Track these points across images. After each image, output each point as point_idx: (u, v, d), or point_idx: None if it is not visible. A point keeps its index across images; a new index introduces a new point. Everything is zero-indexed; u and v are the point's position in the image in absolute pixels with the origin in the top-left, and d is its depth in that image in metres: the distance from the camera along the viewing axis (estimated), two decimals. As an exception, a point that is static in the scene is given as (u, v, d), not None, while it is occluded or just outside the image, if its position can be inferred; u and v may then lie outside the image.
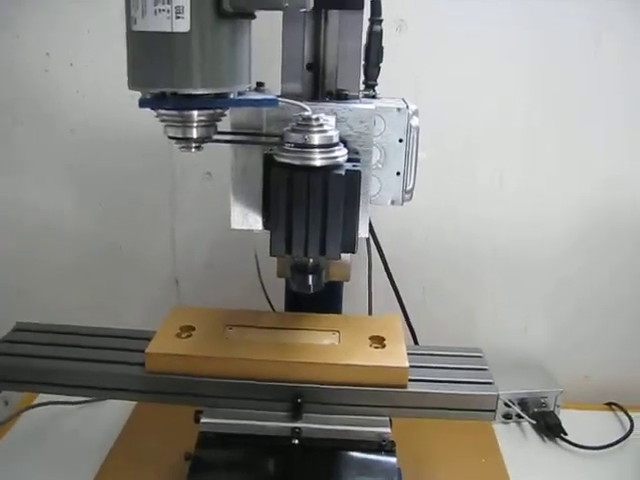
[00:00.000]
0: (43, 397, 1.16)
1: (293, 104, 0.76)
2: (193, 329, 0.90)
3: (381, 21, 0.92)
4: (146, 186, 1.30)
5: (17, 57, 1.23)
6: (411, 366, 0.85)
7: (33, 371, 0.89)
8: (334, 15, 0.85)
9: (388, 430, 0.85)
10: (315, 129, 0.72)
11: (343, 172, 0.72)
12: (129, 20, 0.66)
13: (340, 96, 0.86)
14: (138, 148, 1.25)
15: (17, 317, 0.99)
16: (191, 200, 1.30)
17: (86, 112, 1.25)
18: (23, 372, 0.89)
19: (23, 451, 1.08)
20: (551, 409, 1.21)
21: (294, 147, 0.72)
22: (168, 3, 0.64)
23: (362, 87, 0.91)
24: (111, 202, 1.32)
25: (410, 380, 0.85)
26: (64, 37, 1.22)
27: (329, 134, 0.72)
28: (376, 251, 1.06)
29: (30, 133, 1.28)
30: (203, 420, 0.85)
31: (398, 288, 1.11)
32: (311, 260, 0.81)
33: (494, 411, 0.86)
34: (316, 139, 0.71)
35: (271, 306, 1.08)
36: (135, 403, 1.13)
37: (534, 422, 1.19)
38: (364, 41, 0.90)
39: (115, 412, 1.13)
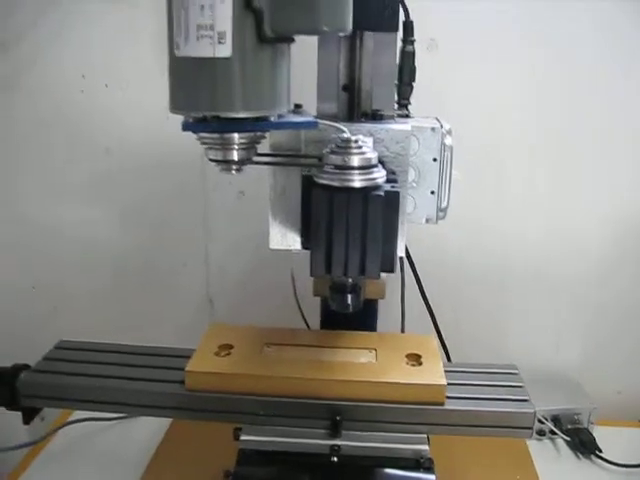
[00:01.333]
0: (79, 413, 1.17)
1: (331, 126, 0.78)
2: (232, 347, 0.91)
3: (413, 41, 0.93)
4: (179, 205, 1.32)
5: (54, 79, 1.26)
6: (448, 383, 0.85)
7: (73, 389, 0.90)
8: (369, 37, 0.86)
9: (426, 447, 0.85)
10: (354, 151, 0.73)
11: (382, 193, 0.73)
12: (172, 45, 0.67)
13: (375, 116, 0.87)
14: (171, 167, 1.27)
15: (55, 335, 1.01)
16: (224, 219, 1.32)
17: (120, 132, 1.28)
18: (63, 390, 0.90)
19: (60, 468, 1.10)
20: (585, 426, 1.20)
21: (334, 169, 0.73)
22: (211, 29, 0.65)
23: (395, 107, 0.92)
24: (145, 222, 1.34)
25: (447, 397, 0.85)
26: (99, 59, 1.24)
27: (368, 156, 0.74)
28: (409, 268, 1.07)
29: (66, 153, 1.30)
30: (243, 437, 0.86)
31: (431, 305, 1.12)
32: (350, 280, 0.82)
33: (531, 428, 0.86)
34: (355, 161, 0.73)
35: (307, 324, 1.09)
36: (171, 419, 1.14)
37: (568, 439, 1.18)
38: (397, 61, 0.91)
39: (152, 428, 1.13)
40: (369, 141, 0.78)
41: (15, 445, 1.10)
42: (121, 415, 1.15)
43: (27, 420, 0.93)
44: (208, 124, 0.70)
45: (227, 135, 0.72)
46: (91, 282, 1.37)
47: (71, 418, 1.18)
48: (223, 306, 1.38)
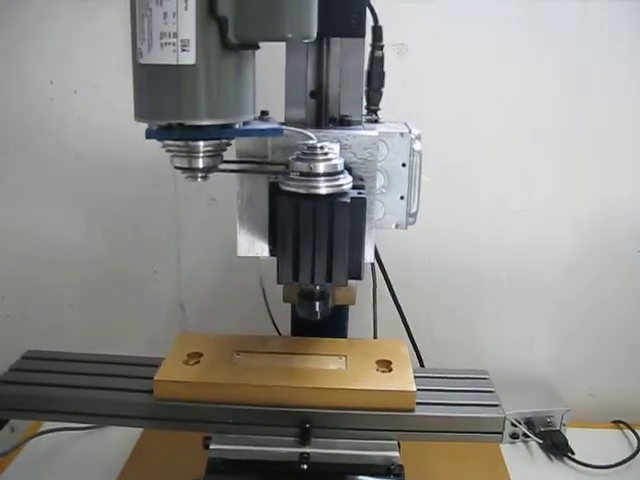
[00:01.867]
0: (49, 423, 1.16)
1: (298, 132, 0.77)
2: (201, 355, 0.90)
3: (382, 46, 0.93)
4: (151, 212, 1.31)
5: (22, 86, 1.25)
6: (418, 389, 0.85)
7: (41, 400, 0.89)
8: (336, 42, 0.86)
9: (396, 454, 0.85)
10: (320, 158, 0.73)
11: (349, 200, 0.73)
12: (135, 53, 0.67)
13: (343, 122, 0.87)
14: (142, 174, 1.27)
15: (23, 344, 1.00)
16: (196, 225, 1.31)
17: (90, 139, 1.27)
18: (31, 401, 0.89)
19: (30, 479, 1.09)
20: (557, 428, 1.21)
21: (300, 176, 0.73)
22: (174, 37, 0.65)
23: (364, 112, 0.92)
24: (116, 228, 1.32)
25: (418, 404, 0.85)
26: (67, 65, 1.23)
27: (334, 162, 0.73)
28: (380, 273, 1.07)
29: (36, 160, 1.29)
30: (212, 446, 0.85)
31: (403, 310, 1.12)
32: (318, 287, 0.82)
33: (501, 433, 0.86)
34: (321, 167, 0.72)
35: (277, 330, 1.08)
36: (142, 429, 1.13)
37: (541, 441, 1.19)
38: (365, 66, 0.91)
39: (122, 438, 1.12)
40: (335, 147, 0.78)
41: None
42: (92, 425, 1.14)
43: (-5, 431, 0.92)
44: (172, 132, 0.70)
45: (192, 143, 0.72)
46: (60, 289, 1.35)
47: (41, 428, 1.17)
48: (194, 312, 1.37)
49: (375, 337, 1.09)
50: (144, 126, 0.71)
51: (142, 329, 1.36)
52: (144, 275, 1.35)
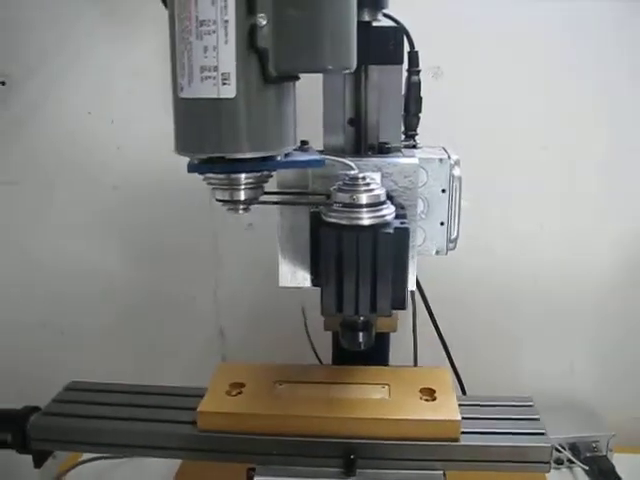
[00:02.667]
0: (90, 452, 1.16)
1: (339, 162, 0.77)
2: (243, 386, 0.90)
3: (419, 71, 0.92)
4: (188, 238, 1.31)
5: (61, 116, 1.26)
6: (463, 418, 0.84)
7: (84, 432, 0.89)
8: (374, 70, 0.86)
9: (442, 484, 0.84)
10: (362, 188, 0.72)
11: (392, 230, 0.72)
12: (176, 87, 0.67)
13: (382, 149, 0.87)
14: (179, 201, 1.27)
15: (61, 372, 1.00)
16: (234, 251, 1.32)
17: (128, 168, 1.28)
18: (71, 432, 0.89)
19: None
20: (604, 453, 1.18)
21: (342, 207, 0.72)
22: (215, 70, 0.64)
23: (402, 137, 0.92)
24: (153, 256, 1.33)
25: (462, 433, 0.84)
26: (105, 96, 1.25)
27: (376, 193, 0.73)
28: (420, 300, 1.06)
29: (74, 190, 1.30)
30: (256, 478, 0.84)
31: (444, 336, 1.11)
32: (361, 317, 0.81)
33: (549, 463, 0.85)
34: (364, 199, 0.72)
35: (318, 359, 1.08)
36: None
37: (586, 467, 1.16)
38: (402, 91, 0.90)
39: (162, 467, 1.11)
40: (377, 177, 0.77)
41: (27, 487, 1.09)
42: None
43: (38, 464, 0.92)
44: (214, 165, 0.69)
45: (234, 175, 0.72)
46: (100, 320, 1.36)
47: (83, 457, 1.17)
48: (234, 339, 1.38)
49: (416, 364, 1.09)
50: (180, 156, 0.71)
51: (182, 357, 1.36)
52: (182, 302, 1.35)
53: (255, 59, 0.65)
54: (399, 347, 1.04)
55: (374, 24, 0.85)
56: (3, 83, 1.25)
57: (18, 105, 1.26)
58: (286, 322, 1.10)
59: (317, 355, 1.08)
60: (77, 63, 1.23)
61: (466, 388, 1.11)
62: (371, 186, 0.73)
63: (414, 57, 0.92)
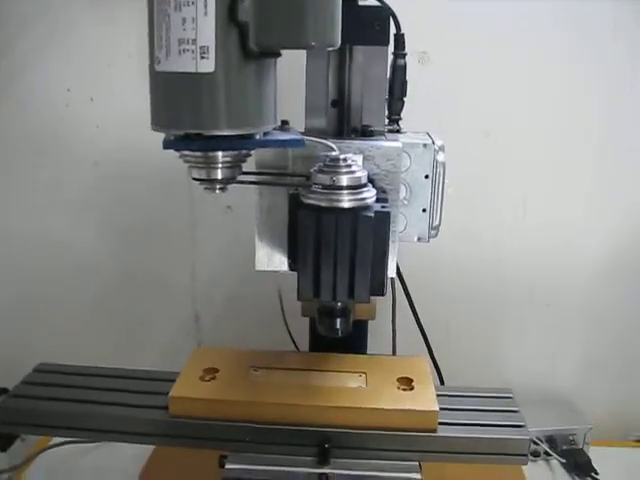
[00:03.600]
0: (60, 436, 1.14)
1: (320, 143, 0.75)
2: (217, 371, 0.88)
3: (405, 55, 0.90)
4: (166, 220, 1.29)
5: (39, 93, 1.23)
6: (440, 409, 0.83)
7: (51, 415, 0.87)
8: (359, 51, 0.84)
9: (418, 476, 0.81)
10: (343, 170, 0.71)
11: (372, 214, 0.70)
12: (152, 60, 0.65)
13: (365, 132, 0.85)
14: (158, 181, 1.25)
15: (35, 354, 0.98)
16: (211, 234, 1.30)
17: (107, 146, 1.25)
18: (40, 416, 0.87)
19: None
20: (580, 446, 1.18)
21: (322, 188, 0.71)
22: (193, 43, 0.62)
23: (386, 122, 0.90)
24: (131, 236, 1.31)
25: (440, 423, 0.83)
26: (84, 72, 1.22)
27: (357, 175, 0.71)
28: (400, 287, 1.04)
29: (54, 167, 1.28)
30: (228, 466, 0.82)
31: (423, 326, 1.09)
32: (339, 303, 0.79)
33: (526, 455, 0.84)
34: (344, 180, 0.70)
35: (295, 345, 1.06)
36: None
37: (563, 460, 1.15)
38: (387, 75, 0.89)
39: (134, 452, 1.09)
40: (358, 159, 0.75)
41: (-6, 470, 1.07)
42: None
43: (4, 447, 0.90)
44: (190, 142, 0.67)
45: (211, 153, 0.70)
46: (74, 298, 1.34)
47: (52, 442, 1.15)
48: (209, 323, 1.36)
49: (394, 352, 1.07)
50: (160, 134, 0.69)
51: (156, 340, 1.34)
52: (158, 285, 1.33)
53: (235, 33, 0.63)
54: (377, 335, 1.03)
55: (360, 3, 0.83)
56: (-21, 57, 1.22)
57: (-4, 78, 1.23)
58: (263, 307, 1.08)
59: (294, 341, 1.06)
60: (55, 39, 1.20)
61: (445, 379, 1.10)
62: (352, 168, 0.71)
63: (400, 40, 0.89)
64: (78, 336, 1.33)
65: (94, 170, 1.27)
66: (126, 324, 1.35)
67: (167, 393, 0.84)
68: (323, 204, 0.70)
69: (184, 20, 0.62)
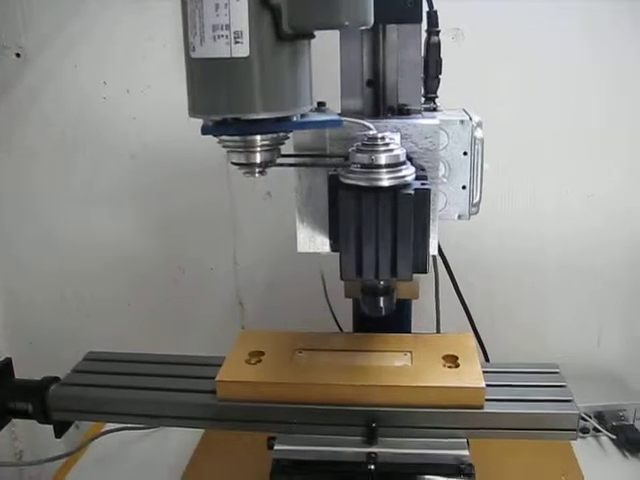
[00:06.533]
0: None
1: (357, 123, 0.75)
2: (262, 354, 0.89)
3: (438, 32, 0.90)
4: (206, 208, 1.30)
5: (76, 86, 1.25)
6: (487, 385, 0.82)
7: (103, 402, 0.89)
8: (392, 29, 0.84)
9: (466, 452, 0.81)
10: (381, 148, 0.70)
11: (412, 191, 0.70)
12: (187, 47, 0.65)
13: (402, 111, 0.85)
14: (196, 170, 1.26)
15: (82, 343, 1.01)
16: (252, 220, 1.31)
17: (144, 137, 1.27)
18: (94, 403, 0.89)
19: (95, 479, 1.09)
20: (630, 422, 1.16)
21: (361, 168, 0.70)
22: (226, 29, 0.63)
23: (422, 100, 0.89)
24: (171, 226, 1.33)
25: (487, 400, 0.82)
26: (119, 65, 1.24)
27: (396, 153, 0.71)
28: (442, 266, 1.04)
29: (91, 160, 1.30)
30: (277, 447, 0.83)
31: (467, 303, 1.09)
32: (382, 282, 0.79)
33: (575, 430, 0.83)
34: (383, 159, 0.70)
35: (339, 326, 1.07)
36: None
37: (613, 436, 1.14)
38: (422, 53, 0.88)
39: (185, 437, 1.11)
40: (396, 137, 0.75)
41: (50, 457, 1.09)
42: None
43: (59, 434, 0.92)
44: (228, 127, 0.68)
45: (249, 137, 0.70)
46: (118, 288, 1.36)
47: (105, 428, 1.17)
48: (253, 308, 1.37)
49: (438, 331, 1.07)
50: (197, 122, 0.70)
51: (201, 327, 1.36)
52: (201, 272, 1.35)
53: (268, 16, 0.64)
54: (421, 314, 1.03)
55: (392, -20, 0.82)
56: (18, 55, 1.24)
57: (33, 76, 1.26)
58: (305, 290, 1.08)
59: (337, 322, 1.07)
60: (91, 33, 1.22)
61: (490, 356, 1.10)
62: (390, 146, 0.71)
63: (433, 17, 0.89)
64: (124, 326, 1.36)
65: (131, 162, 1.29)
66: (170, 313, 1.37)
67: (214, 377, 0.85)
68: (363, 183, 0.70)
69: (217, 6, 0.62)
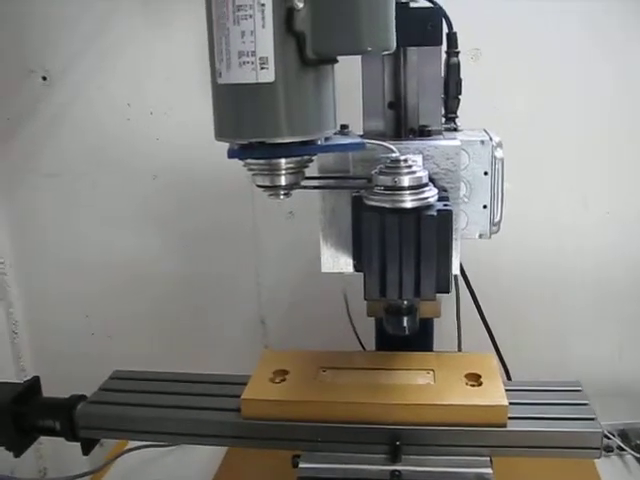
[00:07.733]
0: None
1: (380, 145, 0.76)
2: (287, 373, 0.90)
3: (458, 53, 0.91)
4: (228, 228, 1.32)
5: (100, 108, 1.28)
6: (510, 403, 0.82)
7: (130, 420, 0.90)
8: (412, 52, 0.85)
9: (489, 470, 0.81)
10: (404, 171, 0.72)
11: (435, 212, 0.71)
12: (214, 73, 0.67)
13: (423, 132, 0.86)
14: (219, 190, 1.28)
15: (105, 361, 1.01)
16: (274, 240, 1.32)
17: (167, 158, 1.29)
18: (120, 421, 0.90)
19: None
20: (655, 441, 1.16)
21: (384, 190, 0.72)
22: (252, 55, 0.64)
23: (443, 120, 0.91)
24: (194, 245, 1.34)
25: (510, 418, 0.82)
26: (143, 87, 1.26)
27: (418, 175, 0.72)
28: (464, 285, 1.05)
29: (115, 180, 1.32)
30: (301, 465, 0.83)
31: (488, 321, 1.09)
32: (405, 302, 0.80)
33: (599, 448, 0.83)
34: (406, 181, 0.71)
35: (361, 345, 1.07)
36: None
37: (638, 455, 1.13)
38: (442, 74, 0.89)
39: (208, 454, 1.12)
40: (419, 159, 0.76)
41: (74, 475, 1.10)
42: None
43: (86, 451, 0.93)
44: (254, 151, 0.69)
45: (274, 161, 0.71)
46: (141, 307, 1.37)
47: (129, 445, 1.18)
48: (276, 327, 1.38)
49: (460, 349, 1.07)
50: (220, 143, 0.71)
51: (223, 345, 1.37)
52: (224, 291, 1.36)
53: (293, 42, 0.65)
54: (443, 333, 1.03)
55: (411, 5, 0.84)
56: (44, 78, 1.27)
57: (59, 98, 1.28)
58: (327, 309, 1.09)
59: (360, 341, 1.07)
60: (115, 55, 1.24)
61: (511, 372, 1.10)
62: (413, 168, 0.72)
63: (453, 38, 0.90)
64: (147, 344, 1.37)
65: (154, 182, 1.31)
66: (192, 331, 1.38)
67: (238, 396, 0.86)
68: (386, 205, 0.71)
69: (243, 33, 0.64)
